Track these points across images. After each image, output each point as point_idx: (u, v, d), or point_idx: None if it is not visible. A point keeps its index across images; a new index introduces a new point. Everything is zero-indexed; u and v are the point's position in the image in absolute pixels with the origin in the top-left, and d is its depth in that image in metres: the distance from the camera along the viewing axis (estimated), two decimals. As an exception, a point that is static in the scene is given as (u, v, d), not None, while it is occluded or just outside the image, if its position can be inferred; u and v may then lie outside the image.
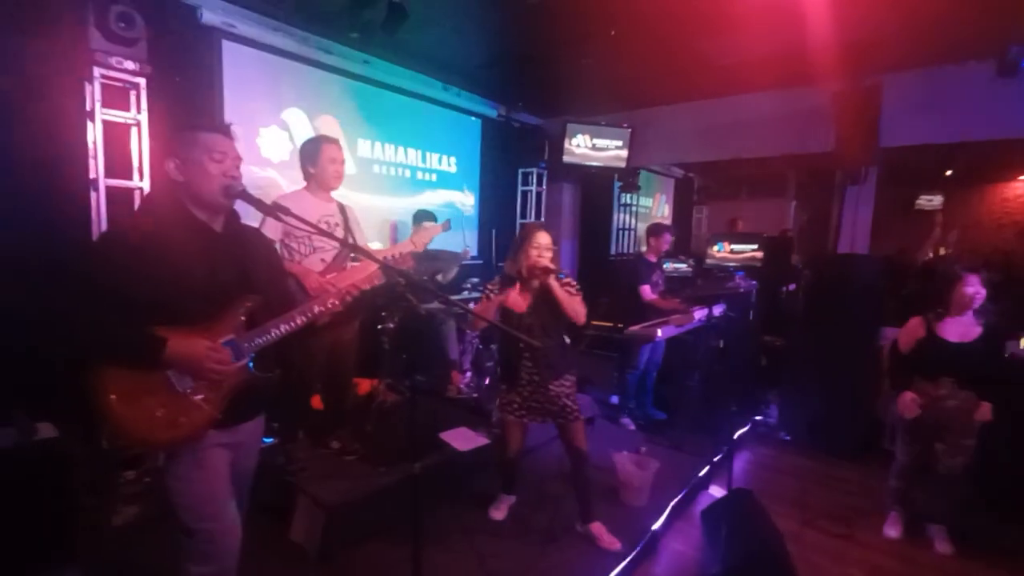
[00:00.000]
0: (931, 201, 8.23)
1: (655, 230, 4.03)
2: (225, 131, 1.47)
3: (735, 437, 3.86)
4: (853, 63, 3.90)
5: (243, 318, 1.47)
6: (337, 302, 1.62)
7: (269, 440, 2.75)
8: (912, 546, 2.73)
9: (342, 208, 2.72)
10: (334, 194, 2.72)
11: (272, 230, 2.42)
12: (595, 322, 3.87)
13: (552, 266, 2.33)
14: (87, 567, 2.19)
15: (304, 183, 2.66)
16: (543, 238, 2.36)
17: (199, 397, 1.39)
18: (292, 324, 1.53)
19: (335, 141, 2.66)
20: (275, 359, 1.57)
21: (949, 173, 7.26)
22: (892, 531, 2.81)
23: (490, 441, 3.15)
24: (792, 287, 5.00)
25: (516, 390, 2.46)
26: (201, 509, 1.41)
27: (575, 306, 2.38)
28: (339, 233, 2.59)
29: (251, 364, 1.47)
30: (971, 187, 8.03)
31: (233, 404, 1.44)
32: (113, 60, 2.61)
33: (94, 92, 2.59)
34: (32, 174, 2.51)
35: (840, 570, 2.54)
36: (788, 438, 4.05)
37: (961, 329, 2.59)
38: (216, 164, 1.41)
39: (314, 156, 2.58)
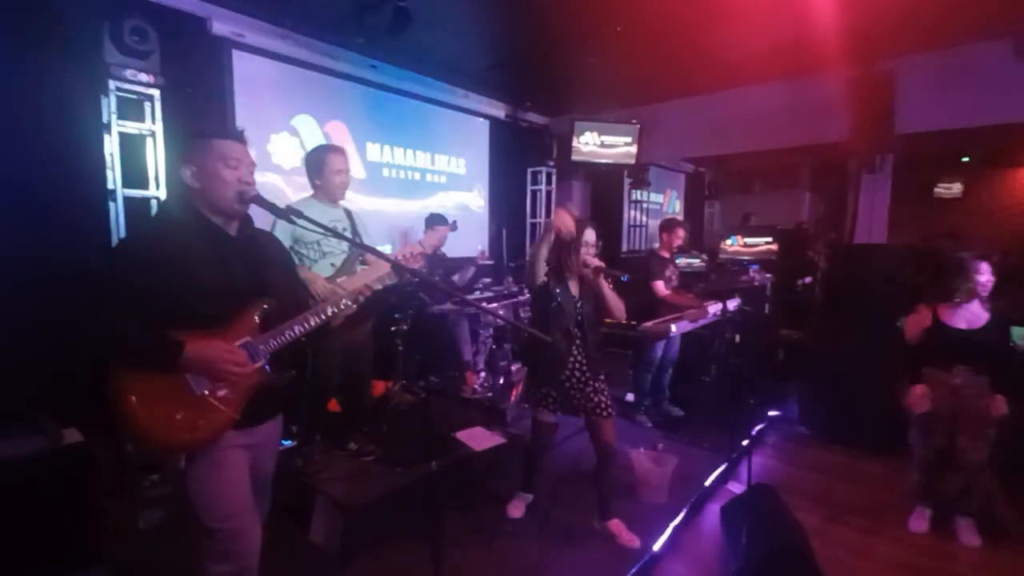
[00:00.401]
0: (950, 189, 8.03)
1: (668, 226, 4.00)
2: (239, 138, 1.50)
3: (754, 432, 3.82)
4: (865, 49, 3.83)
5: (258, 321, 1.49)
6: (350, 303, 1.64)
7: (288, 443, 2.78)
8: (939, 540, 2.67)
9: (349, 213, 2.74)
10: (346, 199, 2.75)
11: (282, 236, 2.44)
12: (608, 320, 3.85)
13: (604, 265, 2.37)
14: (113, 569, 2.23)
15: (311, 190, 2.69)
16: (591, 235, 2.41)
17: (217, 399, 1.41)
18: (306, 326, 1.55)
19: (340, 151, 2.65)
20: (290, 360, 1.59)
21: (966, 160, 7.07)
22: (918, 526, 2.75)
23: (506, 440, 3.16)
24: (808, 280, 4.93)
25: (553, 384, 2.41)
26: (221, 509, 1.43)
27: (620, 304, 2.45)
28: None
29: (267, 366, 1.49)
30: (993, 172, 7.83)
31: (250, 405, 1.46)
32: (128, 73, 2.67)
33: (110, 104, 2.65)
34: (52, 186, 2.58)
35: (866, 565, 2.49)
36: (808, 432, 3.99)
37: (969, 316, 2.56)
38: (231, 171, 1.44)
39: (319, 168, 2.59)
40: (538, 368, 2.50)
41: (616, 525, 2.51)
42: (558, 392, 2.42)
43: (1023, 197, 7.77)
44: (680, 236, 3.96)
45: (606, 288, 2.38)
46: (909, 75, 3.94)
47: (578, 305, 2.41)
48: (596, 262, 2.36)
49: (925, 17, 3.40)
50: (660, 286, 3.82)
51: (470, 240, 5.27)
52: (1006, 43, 3.44)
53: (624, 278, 2.38)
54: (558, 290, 2.36)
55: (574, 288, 2.43)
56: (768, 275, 4.57)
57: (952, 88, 3.93)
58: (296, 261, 2.51)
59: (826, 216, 7.27)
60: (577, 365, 2.40)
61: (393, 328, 3.49)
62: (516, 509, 2.70)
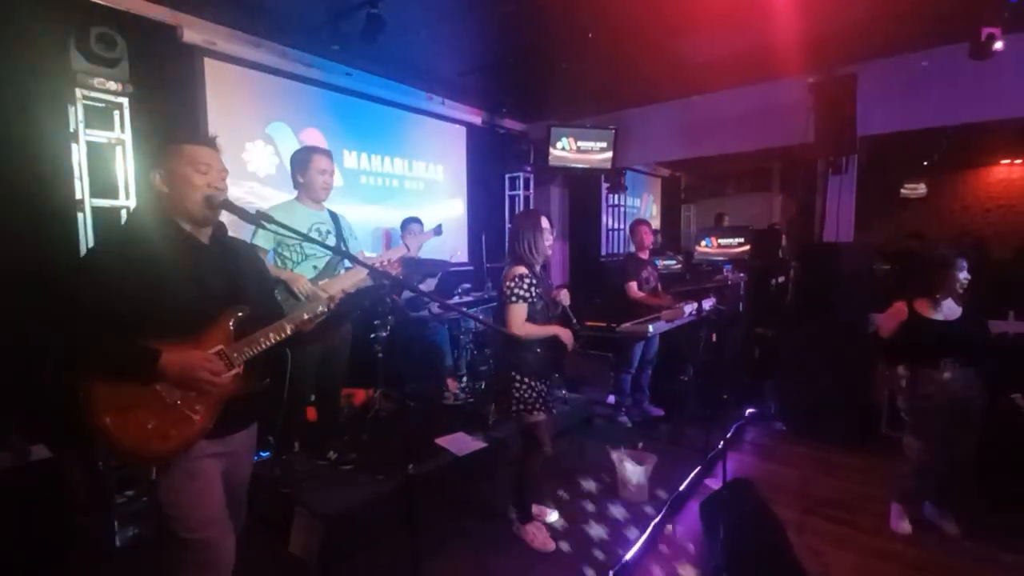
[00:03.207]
0: (915, 190, 8.31)
1: (632, 228, 4.10)
2: (210, 143, 1.49)
3: (732, 429, 3.88)
4: (826, 54, 3.96)
5: (232, 328, 1.48)
6: (324, 308, 1.63)
7: (265, 454, 2.74)
8: (915, 528, 2.70)
9: (334, 216, 2.74)
10: (328, 203, 2.75)
11: (265, 240, 2.45)
12: (589, 323, 3.88)
13: (567, 303, 2.47)
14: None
15: (295, 192, 2.69)
16: (546, 222, 2.45)
17: (189, 408, 1.39)
18: (281, 334, 1.54)
19: (326, 152, 2.68)
20: (265, 368, 1.58)
21: (927, 164, 7.33)
22: (903, 525, 2.71)
23: (488, 445, 3.15)
24: (781, 279, 5.05)
25: (544, 384, 2.40)
26: (194, 519, 1.41)
27: None
28: (331, 240, 2.61)
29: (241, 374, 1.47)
30: (955, 173, 8.13)
31: (224, 414, 1.44)
32: (95, 81, 2.61)
33: (77, 113, 2.59)
34: (18, 197, 2.52)
35: (844, 555, 2.54)
36: (784, 428, 4.07)
37: (945, 310, 2.60)
38: (201, 175, 1.43)
39: (303, 166, 2.61)
40: (533, 366, 2.36)
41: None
42: (546, 389, 2.41)
43: (985, 197, 8.09)
44: (645, 232, 4.03)
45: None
46: (869, 79, 4.07)
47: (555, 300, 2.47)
48: (565, 298, 2.47)
49: (883, 22, 3.53)
50: (633, 287, 3.88)
51: (449, 245, 5.28)
52: (962, 46, 3.58)
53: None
54: (538, 291, 2.34)
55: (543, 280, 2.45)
56: (742, 275, 4.67)
57: (910, 91, 4.07)
58: (280, 264, 2.52)
59: (796, 217, 7.46)
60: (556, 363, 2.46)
61: (372, 335, 3.47)
62: (546, 537, 2.50)
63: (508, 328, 2.26)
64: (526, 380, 2.34)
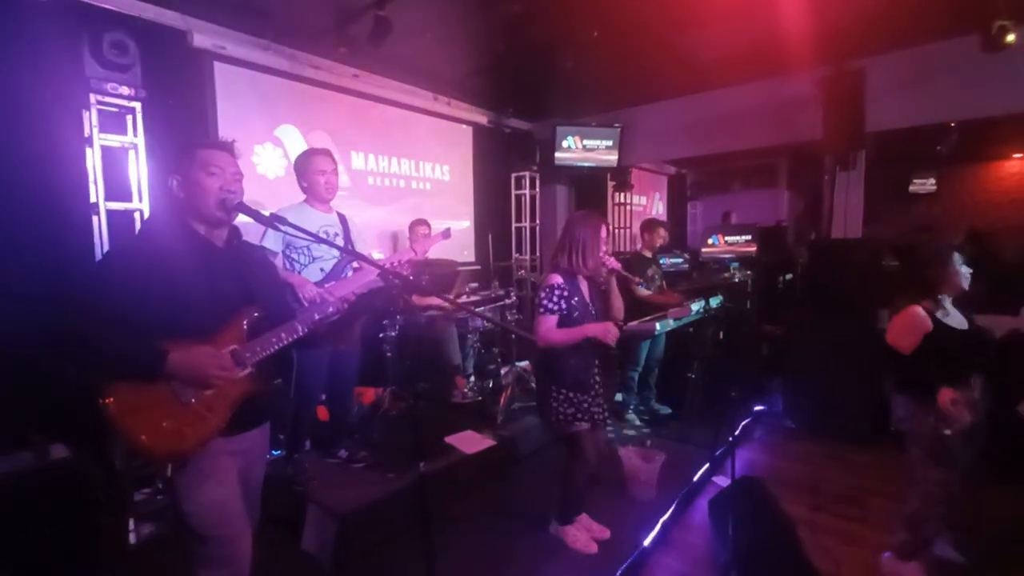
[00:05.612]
0: (924, 185, 8.21)
1: (648, 226, 4.08)
2: (222, 147, 1.52)
3: (740, 427, 3.87)
4: (835, 48, 3.93)
5: (246, 328, 1.51)
6: (335, 310, 1.66)
7: (277, 453, 2.78)
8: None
9: (342, 219, 2.77)
10: (335, 206, 2.77)
11: (273, 242, 2.48)
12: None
13: (619, 265, 2.33)
14: (105, 586, 2.21)
15: (304, 196, 2.72)
16: (604, 232, 2.31)
17: (203, 407, 1.41)
18: (294, 334, 1.56)
19: (324, 152, 2.71)
20: (277, 368, 1.61)
21: (938, 153, 7.24)
22: None
23: (496, 443, 3.18)
24: (789, 276, 5.03)
25: (584, 395, 2.30)
26: (211, 516, 1.44)
27: (621, 304, 2.42)
28: (339, 242, 2.64)
29: (253, 373, 1.50)
30: (965, 167, 8.03)
31: (237, 413, 1.46)
32: (108, 86, 2.66)
33: (91, 118, 2.64)
34: (35, 202, 2.56)
35: (856, 552, 2.53)
36: (792, 425, 4.06)
37: (955, 314, 2.25)
38: (213, 178, 1.46)
39: (304, 169, 2.65)
40: (566, 378, 2.29)
41: (586, 519, 2.56)
42: (587, 401, 2.30)
43: (997, 191, 7.99)
44: (661, 235, 4.04)
45: (615, 288, 2.36)
46: (879, 73, 4.04)
47: (591, 310, 2.33)
48: (613, 263, 2.30)
49: (893, 15, 3.50)
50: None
51: (456, 245, 5.30)
52: (972, 39, 3.54)
53: (640, 284, 2.35)
54: (575, 300, 2.25)
55: (584, 291, 2.34)
56: (749, 272, 4.66)
57: (920, 85, 4.03)
58: (288, 266, 2.55)
59: (804, 214, 7.41)
60: (596, 371, 2.36)
61: (381, 335, 3.50)
62: (585, 539, 2.47)
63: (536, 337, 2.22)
64: (563, 392, 2.28)
